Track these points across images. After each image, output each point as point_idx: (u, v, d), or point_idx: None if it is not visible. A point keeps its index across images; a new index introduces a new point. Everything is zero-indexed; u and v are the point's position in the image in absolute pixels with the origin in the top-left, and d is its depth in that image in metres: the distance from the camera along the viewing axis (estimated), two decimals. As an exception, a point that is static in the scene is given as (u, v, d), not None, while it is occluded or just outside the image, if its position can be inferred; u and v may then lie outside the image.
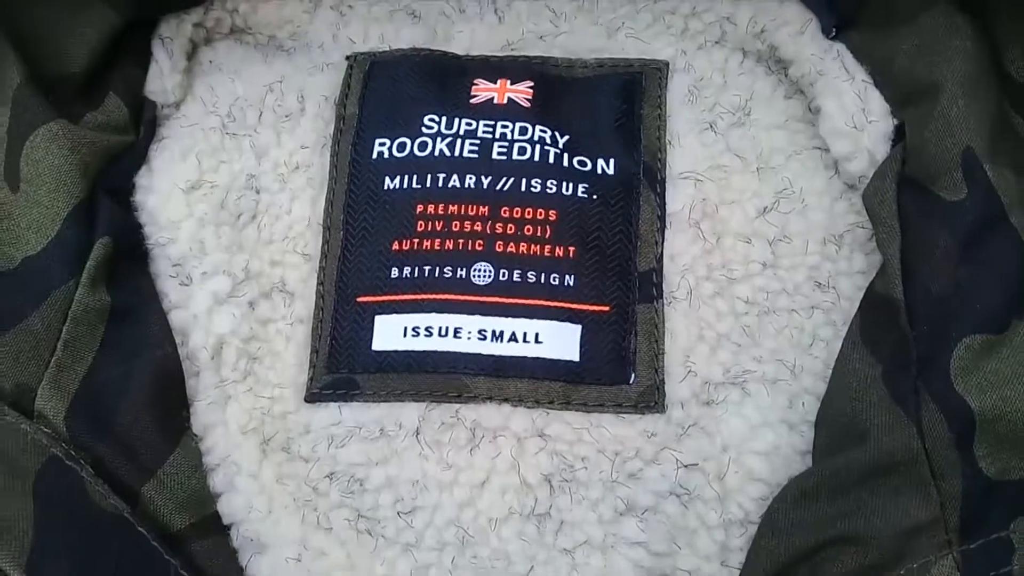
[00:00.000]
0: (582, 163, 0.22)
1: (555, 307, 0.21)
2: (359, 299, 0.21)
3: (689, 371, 0.20)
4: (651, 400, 0.20)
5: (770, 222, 0.22)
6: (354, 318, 0.21)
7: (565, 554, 0.19)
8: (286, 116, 0.23)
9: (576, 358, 0.20)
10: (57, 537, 0.18)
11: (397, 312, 0.21)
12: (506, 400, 0.20)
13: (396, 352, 0.21)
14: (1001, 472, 0.18)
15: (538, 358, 0.20)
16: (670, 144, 0.22)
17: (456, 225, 0.21)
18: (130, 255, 0.21)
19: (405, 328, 0.21)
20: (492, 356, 0.20)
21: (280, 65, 0.24)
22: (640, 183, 0.22)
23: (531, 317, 0.20)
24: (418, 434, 0.20)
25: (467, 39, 0.24)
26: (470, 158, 0.22)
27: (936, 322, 0.19)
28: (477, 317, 0.21)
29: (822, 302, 0.21)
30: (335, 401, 0.21)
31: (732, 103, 0.23)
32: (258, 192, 0.22)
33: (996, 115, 0.20)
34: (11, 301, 0.20)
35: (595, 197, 0.21)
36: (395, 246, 0.21)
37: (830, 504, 0.19)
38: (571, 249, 0.21)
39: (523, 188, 0.21)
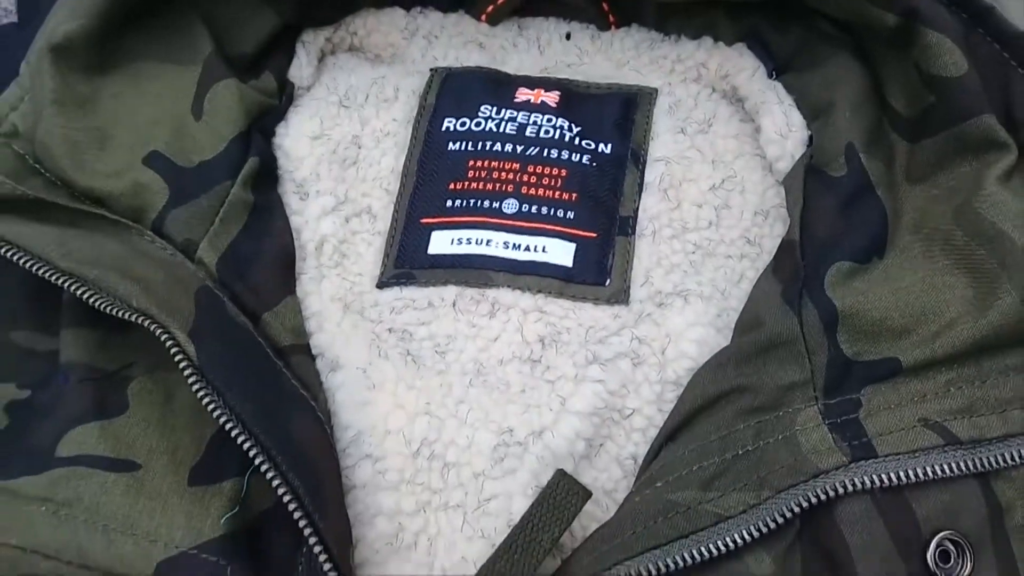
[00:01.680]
0: (588, 144, 0.31)
1: (558, 230, 0.29)
2: (422, 220, 0.30)
3: (648, 281, 0.29)
4: (620, 297, 0.28)
5: (717, 196, 0.30)
6: (417, 233, 0.30)
7: (548, 383, 0.27)
8: (384, 100, 0.33)
9: (570, 264, 0.29)
10: (207, 323, 0.26)
11: (448, 229, 0.30)
12: (518, 288, 0.29)
13: (444, 255, 0.29)
14: (855, 354, 0.26)
15: (543, 263, 0.29)
16: (652, 139, 0.31)
17: (495, 175, 0.30)
18: (268, 174, 0.31)
19: (452, 239, 0.30)
20: (511, 259, 0.29)
21: (383, 70, 0.34)
22: (628, 161, 0.31)
23: (541, 236, 0.29)
24: (454, 306, 0.29)
25: (516, 64, 0.34)
26: (510, 133, 0.31)
27: (819, 254, 0.27)
28: (503, 233, 0.29)
29: (750, 252, 0.30)
30: (397, 286, 0.29)
31: (699, 118, 0.32)
32: (359, 147, 0.32)
33: (874, 127, 0.29)
34: (189, 187, 0.29)
35: (595, 165, 0.30)
36: (451, 186, 0.30)
37: (735, 369, 0.26)
38: (574, 195, 0.30)
39: (544, 154, 0.31)
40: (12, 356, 0.30)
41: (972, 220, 0.26)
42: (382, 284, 0.30)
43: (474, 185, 0.30)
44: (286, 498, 0.24)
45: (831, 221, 0.28)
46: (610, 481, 0.26)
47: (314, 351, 0.28)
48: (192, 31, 0.31)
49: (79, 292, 0.26)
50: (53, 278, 0.26)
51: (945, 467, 0.24)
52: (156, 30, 0.31)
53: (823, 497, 0.23)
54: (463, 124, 0.32)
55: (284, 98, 0.33)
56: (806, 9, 0.30)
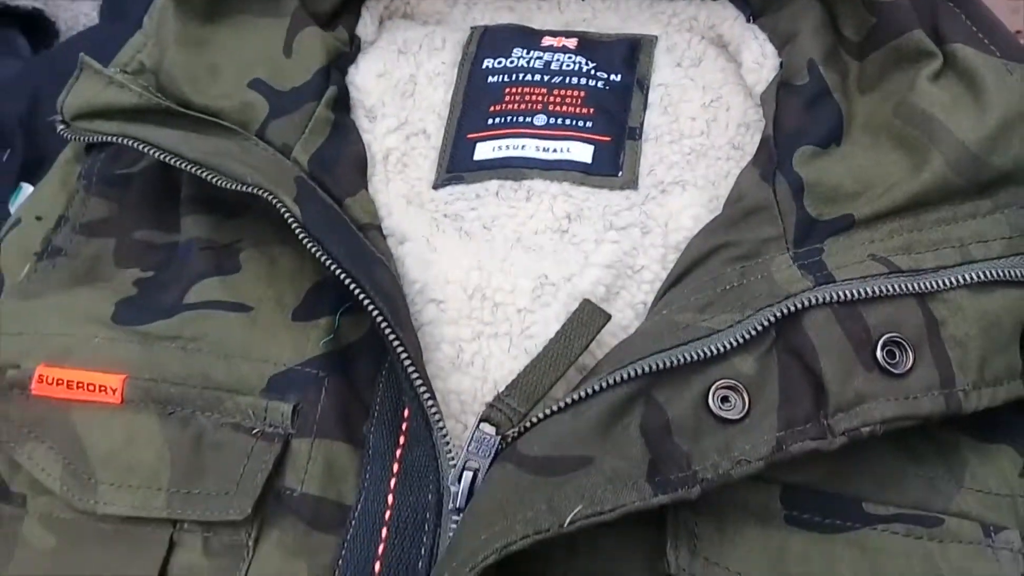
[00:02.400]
0: (602, 74, 0.38)
1: (580, 136, 0.36)
2: (468, 136, 0.37)
3: (652, 173, 0.36)
4: (630, 184, 0.35)
5: (707, 112, 0.37)
6: (464, 146, 0.37)
7: (574, 246, 0.34)
8: (434, 49, 0.40)
9: (589, 161, 0.36)
10: (306, 196, 0.33)
11: (489, 140, 0.37)
12: (548, 179, 0.36)
13: (487, 159, 0.36)
14: (818, 215, 0.32)
15: (568, 160, 0.36)
16: (653, 71, 0.39)
17: (527, 98, 0.38)
18: (343, 101, 0.38)
19: (493, 147, 0.37)
20: (542, 159, 0.36)
21: (432, 27, 0.41)
22: (634, 86, 0.38)
23: (566, 140, 0.36)
24: (497, 194, 0.36)
25: (541, 21, 0.41)
26: (537, 68, 0.38)
27: (789, 142, 0.34)
28: (535, 140, 0.36)
29: (734, 155, 0.36)
30: (449, 185, 0.36)
31: (692, 56, 0.39)
32: (415, 84, 0.39)
33: (830, 50, 0.36)
34: (284, 106, 0.36)
35: (607, 88, 0.38)
36: (491, 108, 0.38)
37: (723, 231, 0.33)
38: (591, 110, 0.37)
39: (566, 81, 0.38)
40: (136, 249, 0.37)
41: (908, 110, 0.33)
42: (437, 186, 0.37)
43: (510, 106, 0.38)
44: (379, 319, 0.30)
45: (797, 117, 0.35)
46: (624, 320, 0.33)
47: (384, 232, 0.35)
48: None
49: (204, 175, 0.33)
50: (182, 165, 0.33)
51: (888, 287, 0.30)
52: None
53: (793, 309, 0.30)
54: (499, 63, 0.39)
55: (353, 47, 0.40)
56: None
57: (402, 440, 0.30)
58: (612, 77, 0.38)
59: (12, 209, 0.48)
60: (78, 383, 0.32)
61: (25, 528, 0.32)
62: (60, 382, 0.33)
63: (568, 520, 0.26)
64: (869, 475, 0.31)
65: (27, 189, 0.50)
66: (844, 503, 0.30)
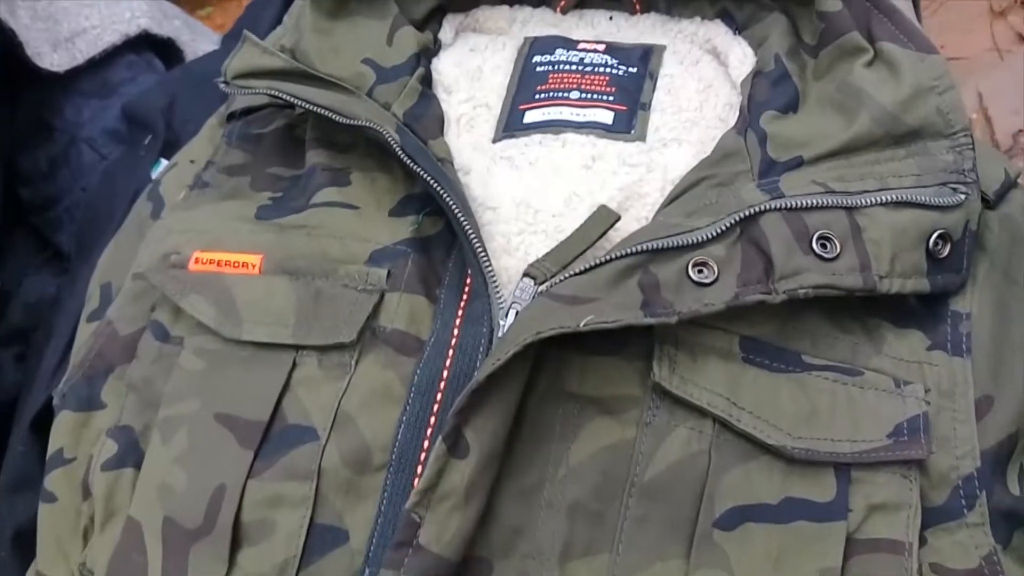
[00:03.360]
0: (622, 67, 0.51)
1: (604, 105, 0.49)
2: (520, 106, 0.50)
3: (656, 132, 0.48)
4: (640, 138, 0.47)
5: (700, 95, 0.49)
6: (517, 113, 0.50)
7: (597, 175, 0.45)
8: (497, 50, 0.53)
9: (610, 123, 0.48)
10: (403, 130, 0.45)
11: (535, 109, 0.49)
12: (579, 133, 0.48)
13: (533, 122, 0.49)
14: (777, 157, 0.44)
15: (594, 122, 0.48)
16: (661, 67, 0.51)
17: (565, 80, 0.50)
18: (428, 80, 0.51)
19: (539, 114, 0.49)
20: (575, 121, 0.48)
21: (495, 37, 0.55)
22: (646, 76, 0.50)
23: (593, 108, 0.49)
24: (540, 143, 0.48)
25: (578, 35, 0.54)
26: (574, 61, 0.51)
27: (757, 108, 0.46)
28: (570, 108, 0.49)
29: (720, 125, 0.48)
30: (504, 139, 0.49)
31: (691, 59, 0.52)
32: (481, 72, 0.52)
33: (792, 50, 0.48)
34: (386, 76, 0.49)
35: (626, 76, 0.50)
36: (538, 88, 0.50)
37: (707, 168, 0.45)
38: (613, 89, 0.49)
39: (595, 70, 0.50)
40: (268, 180, 0.49)
41: (845, 86, 0.45)
42: (495, 140, 0.49)
43: (552, 86, 0.50)
44: (456, 210, 0.42)
45: (765, 92, 0.47)
46: (632, 230, 0.44)
47: (455, 167, 0.47)
48: (387, 4, 0.52)
49: (331, 116, 0.45)
50: (315, 109, 0.46)
51: (824, 200, 0.41)
52: (363, 1, 0.52)
53: (752, 212, 0.41)
54: (545, 58, 0.52)
55: (436, 47, 0.53)
56: None
57: (465, 297, 0.42)
58: (630, 69, 0.51)
59: (153, 176, 0.61)
60: (226, 262, 0.44)
61: (181, 358, 0.43)
62: (212, 262, 0.45)
63: (583, 323, 0.37)
64: (808, 337, 0.41)
65: (163, 163, 0.62)
66: (787, 354, 0.41)
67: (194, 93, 0.65)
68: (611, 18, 0.55)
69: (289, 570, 0.38)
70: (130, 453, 0.42)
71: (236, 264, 0.44)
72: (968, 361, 0.42)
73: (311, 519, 0.38)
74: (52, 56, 0.70)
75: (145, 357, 0.44)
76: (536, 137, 0.48)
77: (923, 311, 0.43)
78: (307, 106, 0.46)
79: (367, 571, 0.37)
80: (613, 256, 0.40)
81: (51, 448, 0.45)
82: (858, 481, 0.39)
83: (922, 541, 0.39)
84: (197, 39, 0.80)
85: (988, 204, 0.45)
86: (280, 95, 0.47)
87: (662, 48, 0.52)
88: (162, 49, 0.76)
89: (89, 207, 0.64)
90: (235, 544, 0.38)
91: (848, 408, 0.40)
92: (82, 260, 0.63)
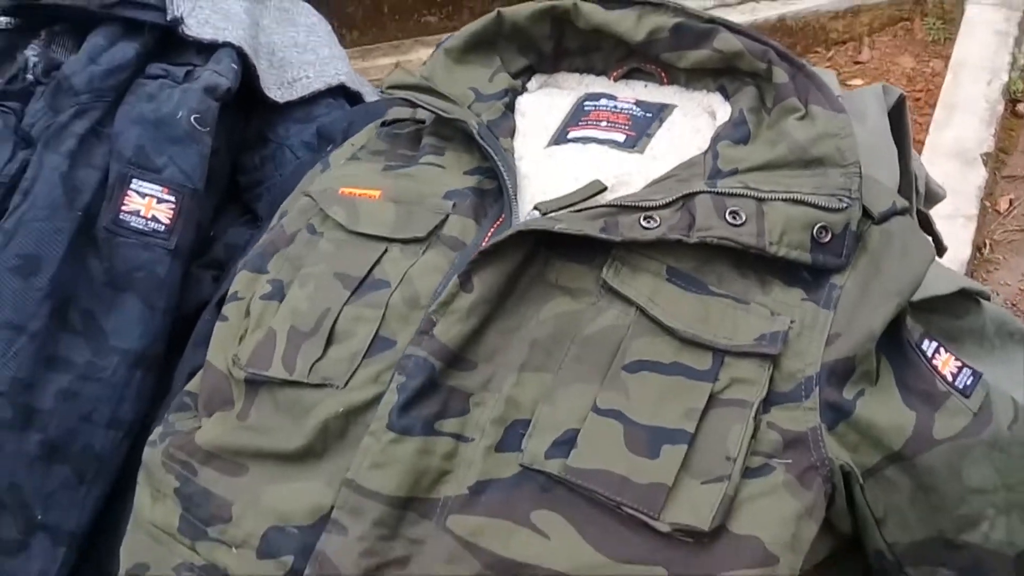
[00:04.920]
0: (640, 111, 0.74)
1: (621, 132, 0.72)
2: (567, 129, 0.74)
3: (651, 150, 0.71)
4: (639, 152, 0.70)
5: (690, 135, 0.72)
6: (563, 133, 0.74)
7: (603, 168, 0.69)
8: (563, 97, 0.78)
9: (622, 141, 0.71)
10: (483, 127, 0.71)
11: (576, 131, 0.73)
12: (601, 146, 0.71)
13: (572, 137, 0.73)
14: (722, 168, 0.66)
15: (612, 139, 0.72)
16: (669, 116, 0.74)
17: (599, 116, 0.74)
18: (513, 107, 0.76)
19: (577, 132, 0.73)
20: (599, 138, 0.72)
21: (564, 90, 0.80)
22: (656, 120, 0.73)
23: (612, 132, 0.72)
24: (573, 149, 0.72)
25: (621, 94, 0.78)
26: (609, 106, 0.75)
27: (718, 140, 0.68)
28: (599, 131, 0.72)
29: (703, 147, 0.71)
30: (553, 146, 0.73)
31: (692, 113, 0.75)
32: (549, 108, 0.76)
33: (755, 107, 0.70)
34: (482, 99, 0.75)
35: (641, 118, 0.74)
36: (581, 119, 0.74)
37: (676, 170, 0.67)
38: (630, 123, 0.73)
39: (621, 112, 0.74)
40: (396, 156, 0.76)
41: (779, 130, 0.67)
42: (546, 147, 0.73)
43: (590, 118, 0.74)
44: (504, 175, 0.66)
45: (727, 131, 0.69)
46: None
47: (516, 158, 0.72)
48: (491, 58, 0.79)
49: (442, 114, 0.71)
50: (433, 109, 0.72)
51: (741, 191, 0.63)
52: (478, 55, 0.78)
53: (691, 192, 0.63)
54: (591, 103, 0.76)
55: (522, 90, 0.79)
56: (739, 72, 0.74)
57: (497, 223, 0.65)
58: (647, 114, 0.74)
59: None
60: (359, 193, 0.70)
61: (320, 243, 0.69)
62: (350, 192, 0.71)
63: (556, 227, 0.59)
64: (715, 275, 0.62)
65: (337, 162, 0.89)
66: (698, 282, 0.62)
67: (364, 120, 0.93)
68: (646, 86, 0.79)
69: (356, 359, 0.61)
70: (277, 293, 0.68)
71: (364, 194, 0.70)
72: (831, 312, 0.61)
73: (376, 332, 0.61)
74: (276, 92, 1.01)
75: (299, 243, 0.70)
76: (571, 146, 0.72)
77: (810, 280, 0.63)
78: (426, 104, 0.72)
79: (402, 360, 0.59)
80: (593, 205, 0.63)
81: (230, 291, 0.71)
82: (727, 364, 0.58)
83: (768, 412, 0.57)
84: (369, 93, 1.10)
85: (874, 220, 0.65)
86: (411, 97, 0.73)
87: (674, 106, 0.76)
88: (349, 96, 1.07)
89: (281, 188, 0.93)
90: (328, 342, 0.62)
91: (732, 320, 0.60)
92: (268, 220, 0.91)
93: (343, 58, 1.11)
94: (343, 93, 1.06)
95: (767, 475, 0.56)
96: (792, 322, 0.60)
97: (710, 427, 0.56)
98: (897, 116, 0.87)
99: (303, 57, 1.06)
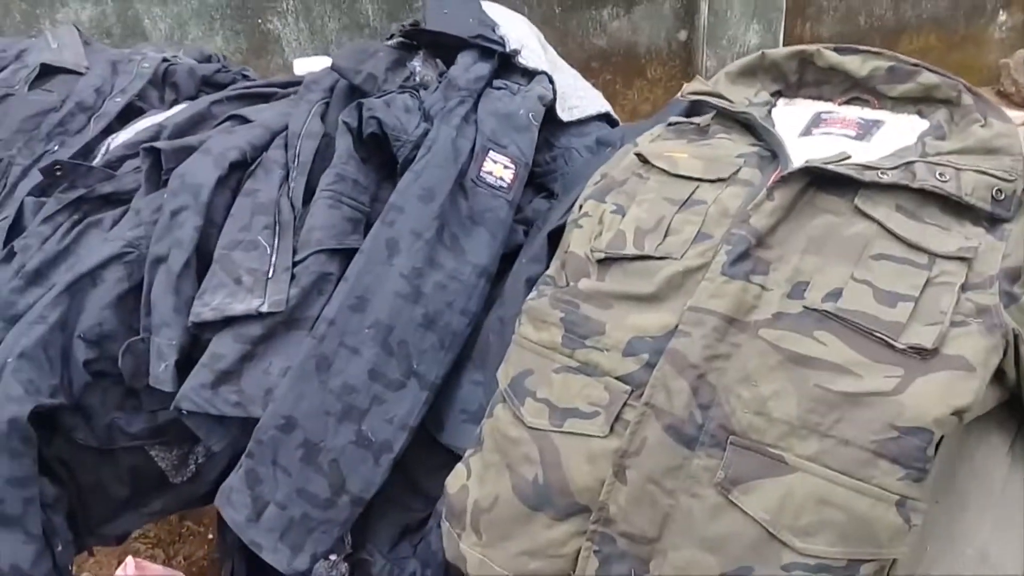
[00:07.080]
0: (864, 120, 1.08)
1: (853, 129, 1.06)
2: (811, 129, 1.08)
3: (872, 141, 1.04)
4: (866, 141, 1.03)
5: (899, 135, 1.05)
6: (807, 130, 1.08)
7: (836, 149, 1.02)
8: (802, 110, 1.13)
9: (853, 135, 1.05)
10: (758, 122, 1.05)
11: (818, 130, 1.07)
12: (836, 137, 1.05)
13: (818, 132, 1.07)
14: (928, 151, 0.98)
15: (846, 133, 1.05)
16: (883, 126, 1.08)
17: (834, 121, 1.08)
18: (771, 111, 1.11)
19: (819, 129, 1.07)
20: (836, 132, 1.06)
21: (798, 108, 1.14)
22: (874, 126, 1.07)
23: (847, 128, 1.06)
24: (817, 138, 1.05)
25: (844, 113, 1.12)
26: (839, 116, 1.09)
27: (924, 136, 1.01)
28: (836, 128, 1.06)
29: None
30: (802, 137, 1.07)
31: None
32: (792, 115, 1.11)
33: (948, 120, 1.03)
34: (751, 105, 1.09)
35: (863, 123, 1.07)
36: (820, 122, 1.09)
37: (894, 151, 1.00)
38: (858, 125, 1.07)
39: (849, 119, 1.08)
40: (683, 139, 1.11)
41: (968, 132, 1.00)
42: (798, 136, 1.07)
43: (827, 122, 1.08)
44: (776, 145, 1.00)
45: (930, 132, 1.02)
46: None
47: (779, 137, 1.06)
48: (755, 82, 1.14)
49: (726, 109, 1.07)
50: (720, 104, 1.07)
51: (946, 163, 0.95)
52: (745, 79, 1.14)
53: (911, 161, 0.96)
54: (827, 113, 1.10)
55: (774, 105, 1.14)
56: (934, 100, 1.07)
57: (777, 173, 0.99)
58: (867, 121, 1.08)
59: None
60: (670, 155, 1.05)
61: (646, 183, 1.04)
62: (662, 155, 1.06)
63: (823, 163, 0.93)
64: (926, 213, 0.94)
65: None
66: (916, 215, 0.94)
67: (633, 133, 1.29)
68: (862, 108, 1.13)
69: (687, 244, 0.94)
70: (620, 211, 1.02)
71: (675, 155, 1.05)
72: (1004, 243, 0.92)
73: (699, 229, 0.95)
74: (563, 113, 1.39)
75: (631, 183, 1.05)
76: (817, 136, 1.06)
77: (988, 226, 0.94)
78: (716, 103, 1.07)
79: (728, 234, 0.93)
80: (848, 163, 0.96)
81: (580, 213, 1.06)
82: (938, 262, 0.90)
83: (966, 292, 0.88)
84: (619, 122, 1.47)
85: None
86: (707, 99, 1.09)
87: (884, 121, 1.09)
88: (610, 121, 1.44)
89: (573, 175, 1.29)
90: (665, 234, 0.96)
91: (940, 238, 0.92)
92: (564, 194, 1.26)
93: (600, 96, 1.49)
94: (606, 119, 1.43)
95: (967, 326, 0.86)
96: (979, 244, 0.91)
97: (928, 296, 0.88)
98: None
99: (575, 92, 1.45)
